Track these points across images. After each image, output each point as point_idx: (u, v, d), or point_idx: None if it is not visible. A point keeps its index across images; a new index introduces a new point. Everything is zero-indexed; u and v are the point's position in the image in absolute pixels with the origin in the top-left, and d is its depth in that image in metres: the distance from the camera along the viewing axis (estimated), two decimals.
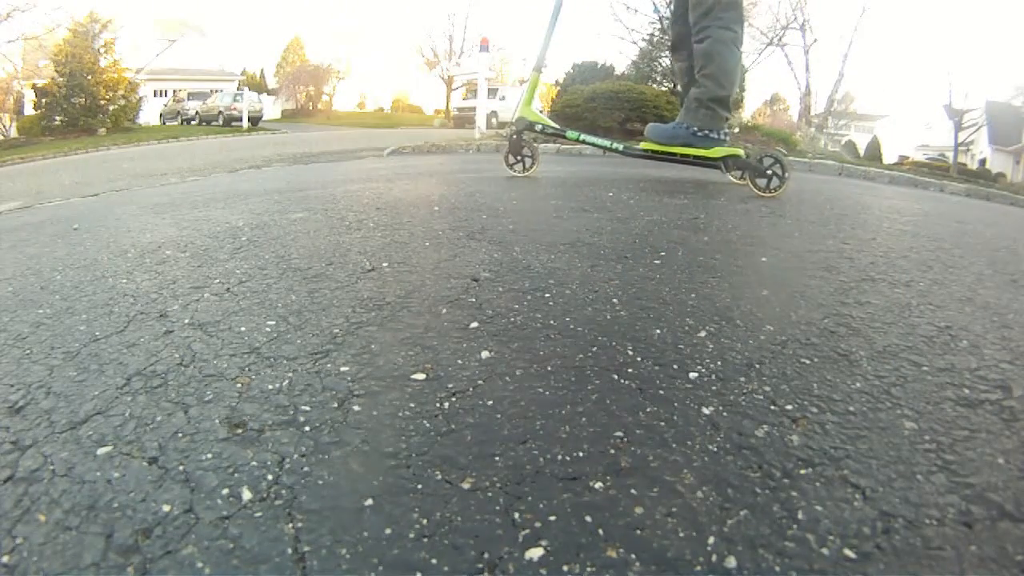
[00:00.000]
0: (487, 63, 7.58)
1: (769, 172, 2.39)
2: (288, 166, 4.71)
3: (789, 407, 0.75)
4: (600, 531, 0.55)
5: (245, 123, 19.03)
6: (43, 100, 17.12)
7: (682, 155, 2.56)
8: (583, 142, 2.78)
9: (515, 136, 2.82)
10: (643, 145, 2.65)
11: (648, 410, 0.74)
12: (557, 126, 2.84)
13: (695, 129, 2.53)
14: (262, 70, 32.54)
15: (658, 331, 0.96)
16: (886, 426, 0.71)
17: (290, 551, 0.52)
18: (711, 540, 0.54)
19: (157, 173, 4.77)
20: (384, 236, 1.57)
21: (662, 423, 0.71)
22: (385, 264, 1.32)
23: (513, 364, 0.85)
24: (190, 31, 27.88)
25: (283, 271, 1.29)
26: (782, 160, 2.42)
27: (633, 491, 0.60)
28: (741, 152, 2.51)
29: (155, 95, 25.61)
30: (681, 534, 0.54)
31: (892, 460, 0.65)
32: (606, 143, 2.77)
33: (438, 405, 0.75)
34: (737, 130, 8.72)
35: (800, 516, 0.56)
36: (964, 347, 0.95)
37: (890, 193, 3.57)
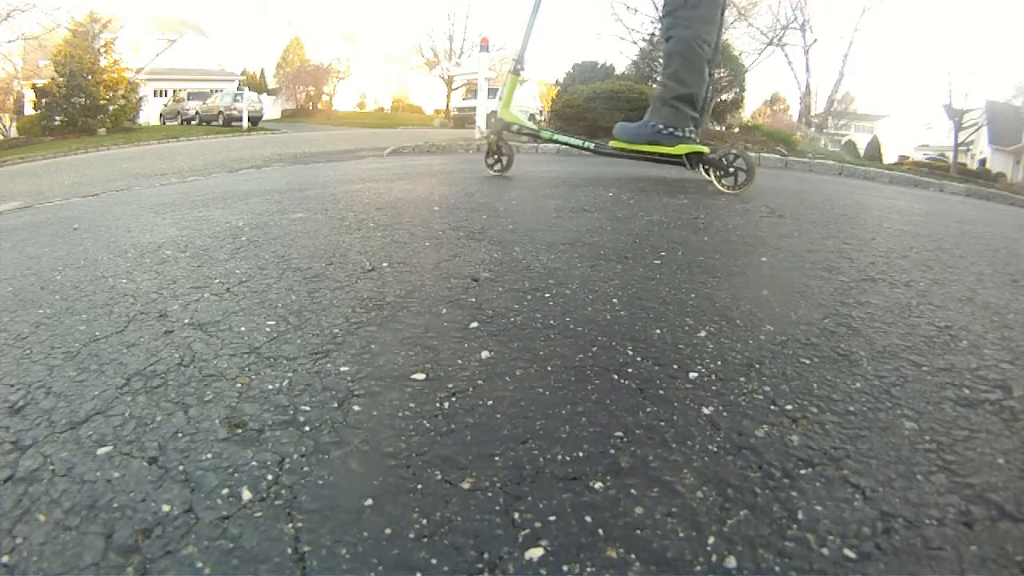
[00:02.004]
0: (487, 63, 7.57)
1: (732, 169, 2.44)
2: (288, 166, 4.71)
3: (789, 407, 0.75)
4: (600, 531, 0.55)
5: (245, 123, 19.04)
6: (43, 100, 17.14)
7: (647, 152, 2.61)
8: (556, 141, 2.85)
9: (493, 136, 2.90)
10: (612, 143, 2.69)
11: (648, 410, 0.74)
12: (533, 126, 2.92)
13: (660, 127, 2.57)
14: (262, 70, 32.52)
15: (658, 331, 0.96)
16: (886, 426, 0.71)
17: (290, 551, 0.52)
18: (711, 540, 0.54)
19: (157, 173, 4.78)
20: (384, 236, 1.57)
21: (662, 423, 0.71)
22: (385, 264, 1.32)
23: (513, 364, 0.85)
24: (190, 31, 27.87)
25: (283, 271, 1.29)
26: (746, 157, 2.47)
27: (633, 491, 0.60)
28: (706, 149, 2.54)
29: (155, 95, 25.62)
30: (681, 534, 0.54)
31: (892, 460, 0.65)
32: (578, 142, 2.82)
33: (438, 405, 0.75)
34: (737, 130, 8.72)
35: (800, 516, 0.56)
36: (964, 347, 0.95)
37: (890, 193, 3.57)
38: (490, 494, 0.59)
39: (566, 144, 2.84)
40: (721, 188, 2.47)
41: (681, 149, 2.54)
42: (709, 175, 2.57)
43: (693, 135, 2.58)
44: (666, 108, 2.56)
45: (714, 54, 2.65)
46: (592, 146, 2.77)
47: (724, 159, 2.47)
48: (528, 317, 1.01)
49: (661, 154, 2.58)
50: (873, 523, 0.56)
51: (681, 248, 1.47)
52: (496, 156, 2.92)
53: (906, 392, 0.79)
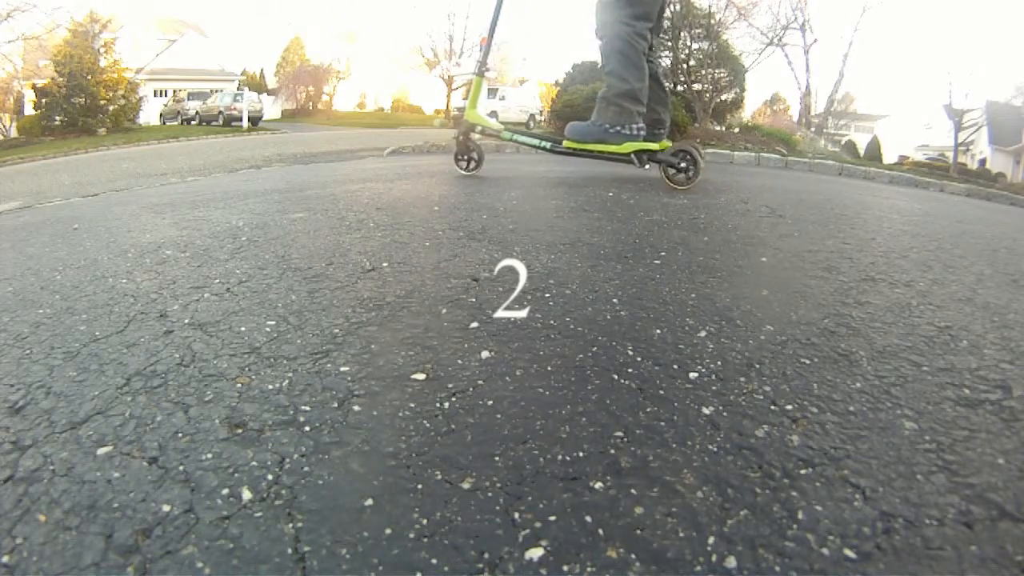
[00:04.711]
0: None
1: (683, 165, 2.50)
2: (288, 166, 4.71)
3: (789, 407, 0.75)
4: (600, 531, 0.55)
5: (245, 123, 19.02)
6: (43, 100, 17.11)
7: (597, 151, 2.66)
8: (516, 141, 2.91)
9: (462, 137, 2.94)
10: (565, 143, 2.74)
11: (648, 410, 0.74)
12: (497, 126, 2.98)
13: (607, 126, 2.61)
14: (262, 70, 32.49)
15: (658, 331, 0.96)
16: (886, 426, 0.71)
17: (290, 551, 0.52)
18: (711, 540, 0.54)
19: (157, 173, 4.78)
20: (384, 236, 1.57)
21: (662, 423, 0.71)
22: (385, 264, 1.32)
23: (513, 364, 0.85)
24: (190, 31, 27.84)
25: (283, 271, 1.29)
26: (694, 153, 2.52)
27: (633, 491, 0.60)
28: (655, 146, 2.58)
29: (155, 95, 25.57)
30: (681, 534, 0.54)
31: (892, 460, 0.65)
32: (535, 142, 2.88)
33: (438, 405, 0.75)
34: (737, 130, 8.72)
35: (800, 516, 0.56)
36: (964, 347, 0.95)
37: (890, 193, 3.57)
38: (490, 494, 0.59)
39: (524, 143, 2.91)
40: (671, 184, 2.52)
41: (628, 147, 2.58)
42: (664, 171, 2.61)
43: (642, 132, 2.61)
44: (611, 107, 2.60)
45: (651, 51, 2.71)
46: (548, 146, 2.82)
47: (673, 156, 2.52)
48: (528, 317, 1.01)
49: (610, 153, 2.63)
50: (873, 523, 0.56)
51: (681, 248, 1.47)
52: (467, 157, 2.97)
53: (906, 392, 0.79)
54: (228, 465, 0.64)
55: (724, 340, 0.93)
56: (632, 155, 2.59)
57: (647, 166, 2.65)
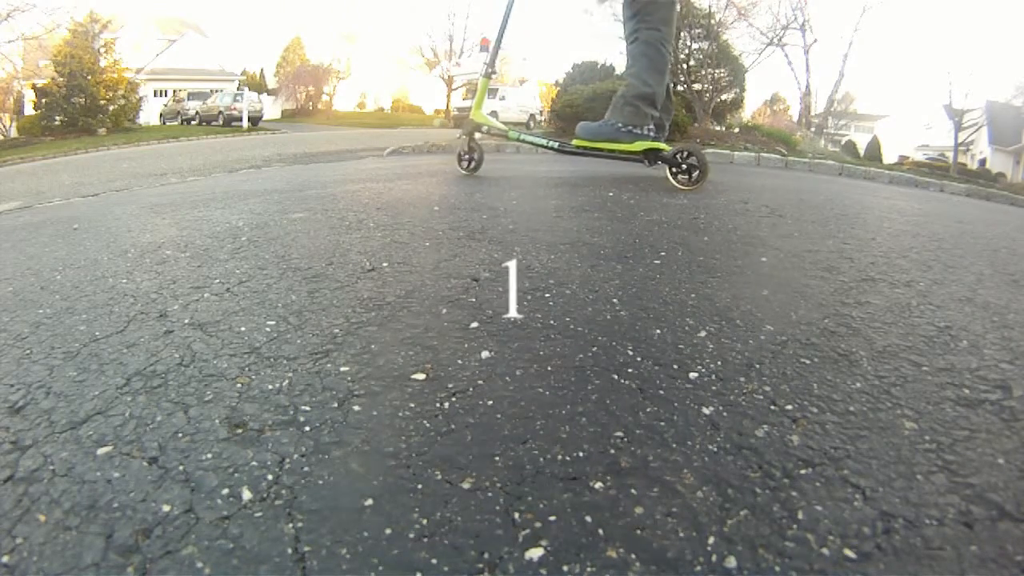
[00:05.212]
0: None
1: (685, 166, 2.53)
2: (288, 166, 4.71)
3: (789, 407, 0.75)
4: (600, 531, 0.55)
5: (245, 123, 19.02)
6: (43, 100, 17.12)
7: (608, 150, 2.69)
8: (522, 141, 2.94)
9: (466, 137, 2.96)
10: (574, 142, 2.76)
11: (648, 410, 0.74)
12: (502, 127, 3.00)
13: (619, 125, 2.65)
14: (262, 70, 32.50)
15: (658, 331, 0.96)
16: (886, 426, 0.71)
17: (290, 551, 0.52)
18: (711, 540, 0.54)
19: (157, 173, 4.77)
20: (384, 236, 1.57)
21: (662, 423, 0.71)
22: (385, 264, 1.32)
23: (513, 364, 0.85)
24: (190, 31, 27.84)
25: (283, 271, 1.29)
26: (700, 154, 2.55)
27: (633, 491, 0.60)
28: (664, 147, 2.61)
29: (155, 95, 25.58)
30: (681, 534, 0.54)
31: (892, 460, 0.65)
32: (542, 141, 2.90)
33: (438, 405, 0.75)
34: (737, 130, 8.72)
35: (800, 516, 0.56)
36: (964, 347, 0.95)
37: (890, 193, 3.57)
38: (490, 494, 0.59)
39: (531, 143, 2.92)
40: (676, 184, 2.54)
41: (639, 146, 2.61)
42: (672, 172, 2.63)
43: (652, 133, 2.65)
44: (628, 107, 2.63)
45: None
46: (556, 145, 2.84)
47: (678, 156, 2.54)
48: (528, 317, 1.01)
49: (621, 151, 2.66)
50: (873, 523, 0.56)
51: (681, 248, 1.47)
52: (468, 157, 2.98)
53: (906, 392, 0.79)
54: (228, 465, 0.64)
55: (724, 340, 0.93)
56: (642, 154, 2.62)
57: (655, 165, 2.68)
